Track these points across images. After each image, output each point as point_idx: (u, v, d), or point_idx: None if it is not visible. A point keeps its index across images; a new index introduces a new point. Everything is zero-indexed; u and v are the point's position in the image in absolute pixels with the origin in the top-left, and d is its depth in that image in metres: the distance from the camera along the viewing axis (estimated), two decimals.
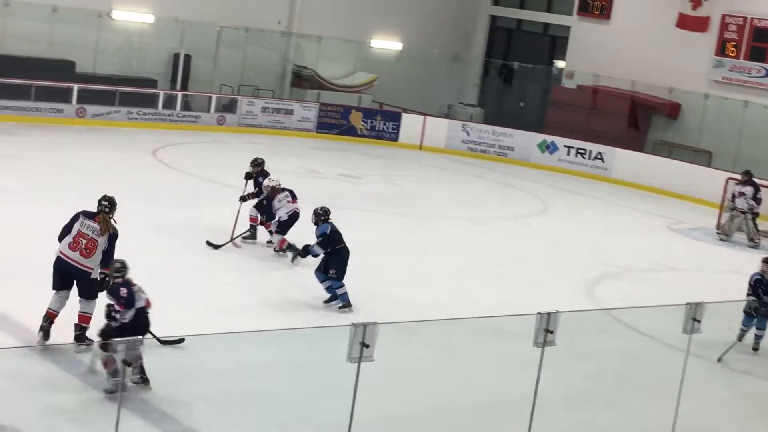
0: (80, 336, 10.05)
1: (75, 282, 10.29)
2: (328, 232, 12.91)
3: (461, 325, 10.79)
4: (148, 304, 9.42)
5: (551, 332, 8.09)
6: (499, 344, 11.10)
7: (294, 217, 15.15)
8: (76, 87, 25.27)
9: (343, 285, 12.78)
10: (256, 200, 15.74)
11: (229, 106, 27.89)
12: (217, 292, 12.95)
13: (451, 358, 11.12)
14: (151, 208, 16.98)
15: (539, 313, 8.10)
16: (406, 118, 29.35)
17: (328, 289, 12.87)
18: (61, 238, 10.44)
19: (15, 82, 24.42)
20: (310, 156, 25.21)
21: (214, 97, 27.72)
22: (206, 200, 18.67)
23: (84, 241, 10.27)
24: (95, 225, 10.38)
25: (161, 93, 26.96)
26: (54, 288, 10.29)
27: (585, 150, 27.89)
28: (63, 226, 10.54)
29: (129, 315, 9.25)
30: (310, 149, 26.40)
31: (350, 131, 28.91)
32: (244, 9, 28.86)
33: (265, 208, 15.47)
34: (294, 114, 28.47)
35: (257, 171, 16.13)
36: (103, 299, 9.62)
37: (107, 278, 9.84)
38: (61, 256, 10.32)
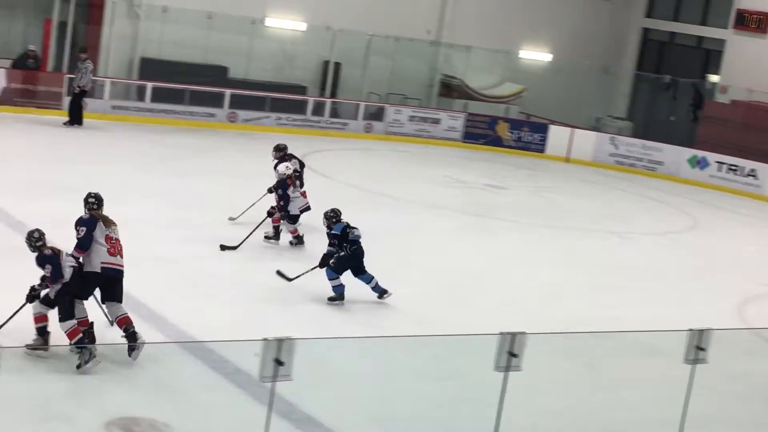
0: (133, 335, 9.65)
1: (107, 287, 9.99)
2: (340, 232, 12.69)
3: (608, 340, 10.62)
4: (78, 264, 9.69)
5: (703, 349, 7.88)
6: (645, 360, 10.89)
7: (303, 211, 15.15)
8: (228, 92, 25.83)
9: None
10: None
11: (377, 114, 28.10)
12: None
13: (598, 373, 10.95)
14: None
15: (691, 330, 7.91)
16: (553, 129, 29.09)
17: (336, 287, 12.52)
18: (84, 249, 9.85)
19: (170, 86, 25.12)
20: (455, 165, 25.20)
21: (362, 104, 27.97)
22: (353, 206, 18.77)
23: (116, 244, 10.00)
24: (113, 226, 10.10)
25: (311, 100, 27.33)
26: (85, 298, 9.91)
27: (737, 166, 27.16)
28: (80, 239, 9.89)
29: (56, 288, 9.49)
30: (456, 158, 26.39)
31: (496, 142, 28.80)
32: (394, 18, 29.03)
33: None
34: (441, 123, 28.52)
35: (280, 156, 16.03)
36: None
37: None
38: (106, 266, 9.84)
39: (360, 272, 12.73)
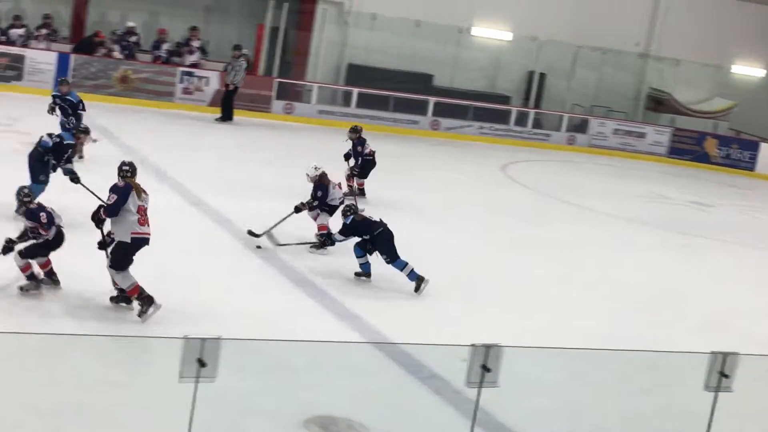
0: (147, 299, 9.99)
1: None
2: (348, 222, 12.57)
3: None
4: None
5: None
6: None
7: (341, 202, 13.92)
8: (432, 100, 25.98)
9: (407, 263, 12.36)
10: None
11: (580, 126, 27.73)
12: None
13: None
14: (501, 223, 17.11)
15: None
16: (764, 147, 28.03)
17: (363, 265, 12.49)
18: (111, 216, 10.02)
19: (376, 93, 25.44)
20: (659, 180, 24.60)
21: (565, 116, 27.64)
22: (552, 217, 18.60)
23: (145, 214, 10.09)
24: (145, 195, 10.14)
25: (514, 110, 27.20)
26: (122, 268, 10.01)
27: None
28: (110, 206, 10.01)
29: (52, 233, 10.10)
30: (660, 174, 25.76)
31: (703, 158, 27.97)
32: (602, 30, 28.57)
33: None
34: (646, 137, 27.90)
35: (356, 138, 16.32)
36: None
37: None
38: (136, 235, 9.98)
39: (391, 258, 12.41)
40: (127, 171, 10.18)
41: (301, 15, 26.61)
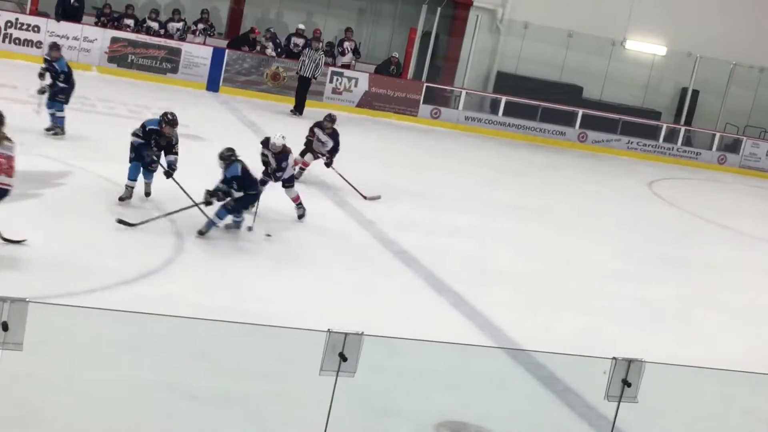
0: None
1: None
2: (239, 173, 11.99)
3: None
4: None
5: None
6: None
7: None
8: (581, 112, 25.72)
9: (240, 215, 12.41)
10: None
11: (732, 146, 27.09)
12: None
13: None
14: (643, 239, 16.86)
15: None
16: None
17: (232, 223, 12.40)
18: None
19: (524, 102, 25.32)
20: None
21: (717, 135, 27.03)
22: (700, 238, 18.23)
23: (8, 162, 9.70)
24: (8, 143, 9.66)
25: (664, 126, 26.72)
26: None
27: None
28: None
29: None
30: None
31: None
32: (760, 48, 27.87)
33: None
34: None
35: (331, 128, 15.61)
36: None
37: None
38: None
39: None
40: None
41: (453, 21, 26.67)
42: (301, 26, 24.76)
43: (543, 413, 9.13)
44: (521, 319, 11.51)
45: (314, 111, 22.34)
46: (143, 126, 12.72)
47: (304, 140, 15.71)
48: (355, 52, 25.19)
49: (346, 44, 25.13)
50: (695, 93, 27.69)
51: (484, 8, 26.57)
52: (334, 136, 15.57)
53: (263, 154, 13.42)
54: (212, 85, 23.20)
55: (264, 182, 13.20)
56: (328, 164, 15.53)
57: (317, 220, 13.70)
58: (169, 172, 12.66)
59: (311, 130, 15.69)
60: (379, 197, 15.47)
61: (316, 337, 5.21)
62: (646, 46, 27.65)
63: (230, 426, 7.35)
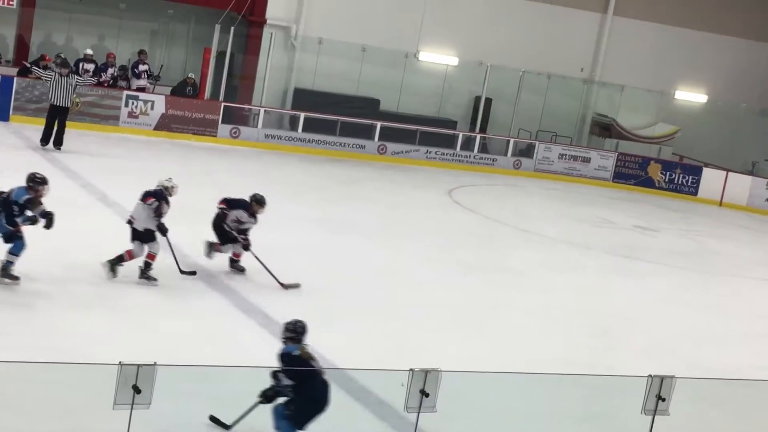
0: None
1: None
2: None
3: (761, 390, 10.20)
4: None
5: None
6: None
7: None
8: (379, 124, 26.02)
9: None
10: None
11: (526, 151, 27.92)
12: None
13: (748, 424, 10.52)
14: (447, 246, 17.19)
15: None
16: (706, 172, 28.37)
17: None
18: None
19: (323, 117, 25.48)
20: (604, 205, 24.81)
21: (511, 141, 27.82)
22: (500, 243, 18.72)
23: None
24: None
25: (460, 134, 27.33)
26: None
27: None
28: None
29: None
30: (605, 198, 25.99)
31: (647, 183, 28.27)
32: (547, 55, 28.88)
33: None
34: (591, 162, 28.15)
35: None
36: None
37: None
38: None
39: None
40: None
41: (248, 39, 26.58)
42: (89, 51, 24.21)
43: (359, 426, 9.17)
44: (329, 331, 11.52)
45: (110, 136, 21.95)
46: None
47: (214, 218, 13.47)
48: (149, 75, 24.76)
49: (141, 67, 24.70)
50: (488, 101, 28.39)
51: (277, 25, 26.58)
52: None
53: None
54: (2, 114, 22.42)
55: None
56: (247, 247, 13.34)
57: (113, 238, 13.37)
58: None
59: (225, 206, 13.40)
60: (298, 285, 13.12)
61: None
62: (438, 57, 28.24)
63: None
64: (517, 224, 20.20)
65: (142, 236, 12.27)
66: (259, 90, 26.05)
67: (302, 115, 25.37)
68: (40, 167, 16.69)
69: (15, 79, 22.83)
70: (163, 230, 12.37)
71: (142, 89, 24.36)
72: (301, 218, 17.46)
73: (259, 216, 13.35)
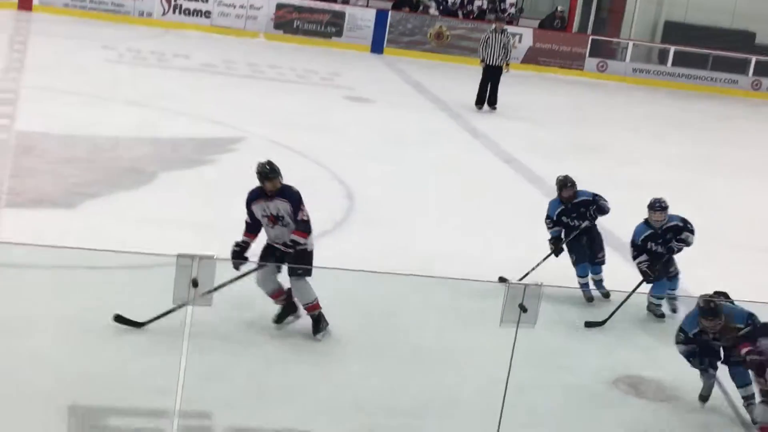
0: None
1: None
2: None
3: None
4: None
5: None
6: None
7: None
8: (753, 59, 24.87)
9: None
10: None
11: None
12: None
13: None
14: None
15: None
16: None
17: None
18: None
19: (693, 51, 24.66)
20: None
21: None
22: None
23: None
24: None
25: None
26: None
27: None
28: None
29: None
30: None
31: None
32: None
33: None
34: None
35: None
36: None
37: None
38: None
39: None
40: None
41: None
42: None
43: None
44: None
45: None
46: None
47: None
48: (517, 8, 24.89)
49: (507, 0, 24.90)
50: None
51: None
52: None
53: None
54: (376, 47, 23.36)
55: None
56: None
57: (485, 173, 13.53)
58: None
59: None
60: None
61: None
62: None
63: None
64: None
65: None
66: (628, 23, 25.57)
67: (672, 48, 24.68)
68: (410, 99, 17.17)
69: (390, 12, 23.66)
70: None
71: (509, 22, 24.53)
72: (662, 155, 16.82)
73: None
